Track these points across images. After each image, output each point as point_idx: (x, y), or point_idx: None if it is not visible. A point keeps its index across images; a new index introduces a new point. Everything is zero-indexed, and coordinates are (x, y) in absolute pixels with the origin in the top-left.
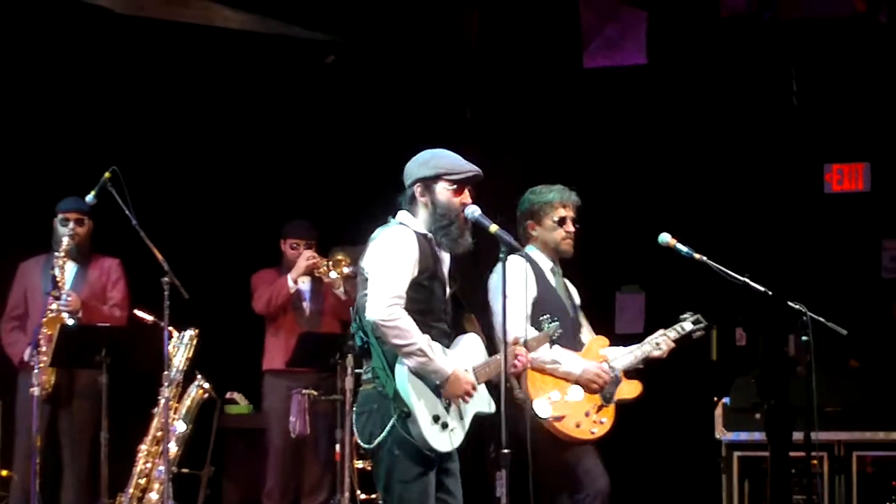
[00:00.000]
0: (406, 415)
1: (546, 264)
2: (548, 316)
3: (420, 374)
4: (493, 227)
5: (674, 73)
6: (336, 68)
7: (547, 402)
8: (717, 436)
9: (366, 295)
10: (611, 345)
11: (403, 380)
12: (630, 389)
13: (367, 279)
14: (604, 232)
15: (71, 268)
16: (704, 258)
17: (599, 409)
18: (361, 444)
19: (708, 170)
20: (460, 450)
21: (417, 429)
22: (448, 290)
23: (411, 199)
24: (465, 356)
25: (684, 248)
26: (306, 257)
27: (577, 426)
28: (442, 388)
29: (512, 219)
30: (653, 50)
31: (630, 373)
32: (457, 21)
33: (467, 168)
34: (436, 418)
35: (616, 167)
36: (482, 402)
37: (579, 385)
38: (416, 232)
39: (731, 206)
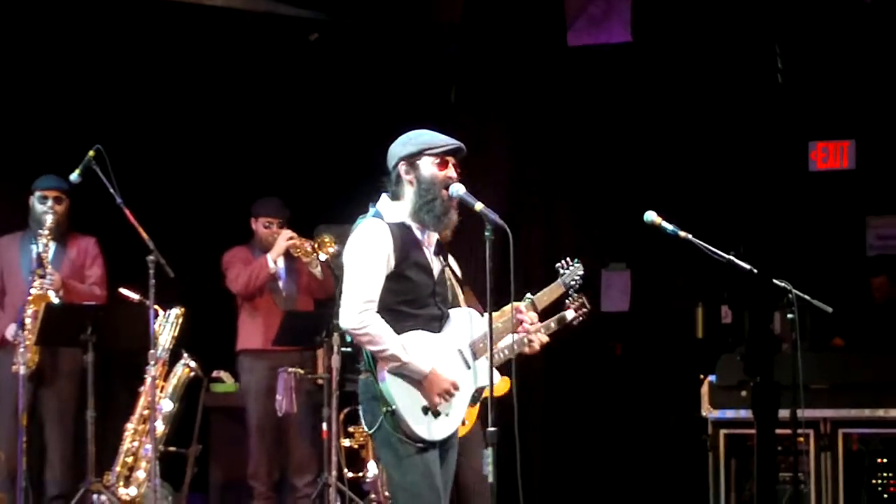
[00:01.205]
0: (391, 413)
1: None
2: (566, 259)
3: (400, 373)
4: (479, 205)
5: (659, 50)
6: (320, 46)
7: None
8: (704, 413)
9: None
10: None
11: (385, 379)
12: (500, 387)
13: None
14: (590, 210)
15: (51, 246)
16: (689, 236)
17: None
18: (366, 429)
19: (693, 148)
20: None
21: (405, 424)
22: (435, 272)
23: (397, 180)
24: (459, 333)
25: (670, 227)
26: (286, 237)
27: None
28: (423, 385)
29: (499, 198)
30: (638, 27)
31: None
32: (441, 1)
33: (449, 141)
34: (425, 410)
35: (602, 145)
36: (484, 377)
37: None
38: (389, 224)
39: (717, 183)
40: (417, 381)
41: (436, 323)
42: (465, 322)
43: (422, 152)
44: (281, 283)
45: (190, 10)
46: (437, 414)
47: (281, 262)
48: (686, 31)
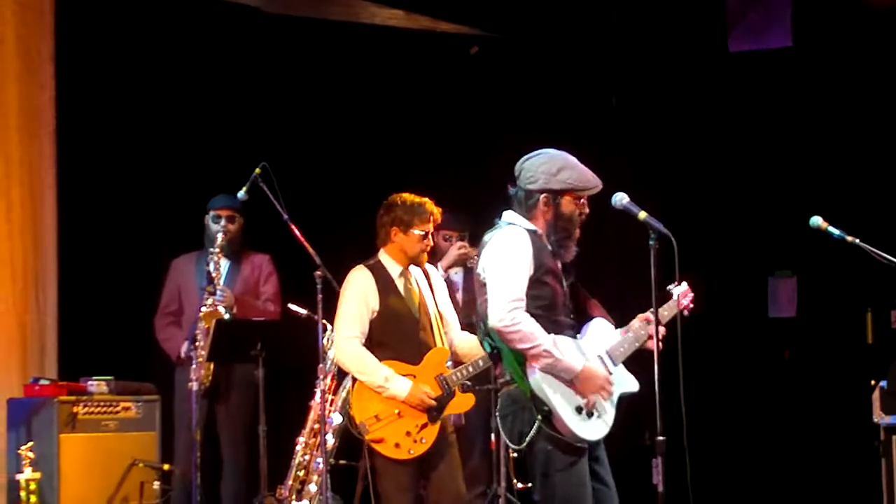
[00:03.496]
0: (548, 412)
1: (395, 270)
2: (675, 283)
3: (551, 372)
4: (642, 214)
5: (821, 54)
6: (481, 60)
7: (370, 423)
8: (875, 419)
9: (486, 300)
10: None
11: (537, 380)
12: (463, 403)
13: (484, 284)
14: (755, 217)
15: (224, 264)
16: (857, 241)
17: (423, 427)
18: (511, 444)
19: (858, 151)
20: (611, 435)
21: (563, 424)
22: (565, 281)
23: (532, 205)
24: (596, 341)
25: (836, 231)
26: (457, 247)
27: (397, 446)
28: (574, 384)
29: (659, 205)
30: (798, 31)
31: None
32: (600, 8)
33: (594, 183)
34: (578, 409)
35: (765, 151)
36: (625, 383)
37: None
38: (527, 230)
39: (884, 187)
40: (567, 381)
41: (571, 331)
42: (600, 330)
43: (567, 191)
44: (458, 295)
45: (353, 31)
46: (590, 414)
47: (459, 275)
48: (848, 34)
